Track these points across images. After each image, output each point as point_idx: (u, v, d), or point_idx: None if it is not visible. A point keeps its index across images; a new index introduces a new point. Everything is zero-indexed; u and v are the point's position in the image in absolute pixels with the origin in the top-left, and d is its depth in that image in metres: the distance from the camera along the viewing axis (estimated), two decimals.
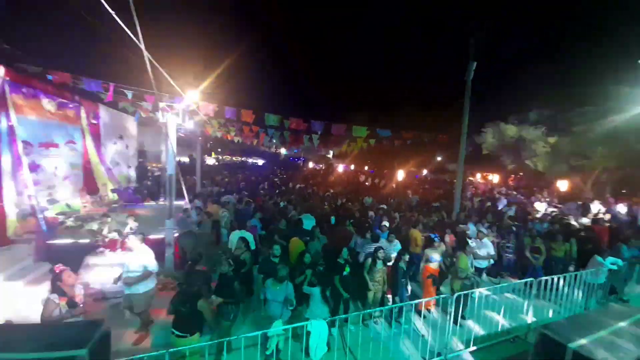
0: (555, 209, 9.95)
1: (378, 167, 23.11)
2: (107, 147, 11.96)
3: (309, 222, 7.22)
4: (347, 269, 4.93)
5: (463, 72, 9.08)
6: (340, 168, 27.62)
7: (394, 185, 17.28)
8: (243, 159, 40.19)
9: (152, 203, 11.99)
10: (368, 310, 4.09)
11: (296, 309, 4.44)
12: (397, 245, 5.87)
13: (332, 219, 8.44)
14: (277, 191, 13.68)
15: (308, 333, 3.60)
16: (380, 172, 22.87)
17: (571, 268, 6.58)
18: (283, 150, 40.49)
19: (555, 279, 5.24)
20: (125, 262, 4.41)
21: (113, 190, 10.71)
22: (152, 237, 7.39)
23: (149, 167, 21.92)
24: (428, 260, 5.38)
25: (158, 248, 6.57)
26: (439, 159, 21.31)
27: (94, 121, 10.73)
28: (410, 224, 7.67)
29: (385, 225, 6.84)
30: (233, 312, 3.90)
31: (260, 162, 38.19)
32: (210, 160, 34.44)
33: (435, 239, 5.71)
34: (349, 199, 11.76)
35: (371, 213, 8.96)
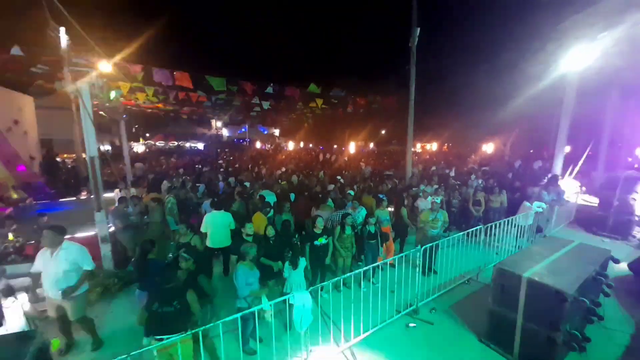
0: (486, 168, 11.36)
1: (327, 143, 23.29)
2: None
3: (270, 198, 6.89)
4: (322, 240, 4.82)
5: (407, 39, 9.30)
6: (290, 146, 27.11)
7: (345, 159, 17.72)
8: (179, 143, 36.25)
9: (72, 199, 10.12)
10: (343, 276, 4.04)
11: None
12: (362, 210, 5.96)
13: (292, 195, 8.23)
14: (225, 172, 12.73)
15: (291, 306, 3.40)
16: (329, 147, 23.13)
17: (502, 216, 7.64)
18: (225, 132, 37.74)
19: (498, 225, 5.95)
20: (51, 265, 3.54)
21: (16, 187, 8.63)
22: (79, 235, 6.23)
23: (59, 159, 18.36)
24: (379, 221, 5.58)
25: (89, 247, 5.63)
26: (383, 132, 22.41)
27: None
28: (367, 192, 7.95)
29: (349, 194, 6.88)
30: (209, 312, 3.53)
31: (200, 145, 34.98)
32: (139, 147, 30.35)
33: (383, 199, 5.96)
34: (304, 175, 11.59)
35: (331, 186, 8.94)
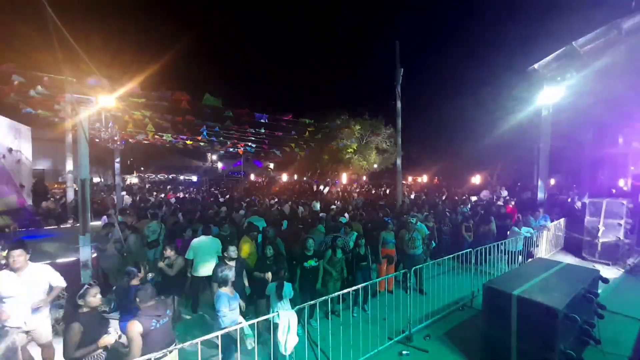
0: (474, 197, 11.59)
1: (320, 176, 23.70)
2: None
3: (259, 224, 6.84)
4: (312, 262, 4.74)
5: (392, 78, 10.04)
6: (284, 178, 27.38)
7: (338, 190, 17.90)
8: (173, 176, 36.19)
9: (55, 227, 9.88)
10: (332, 295, 3.90)
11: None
12: (353, 235, 5.94)
13: (284, 222, 8.23)
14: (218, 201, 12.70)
15: (275, 329, 3.25)
16: (323, 180, 23.47)
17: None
18: (220, 165, 38.12)
19: (489, 250, 5.94)
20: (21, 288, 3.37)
21: (3, 213, 8.45)
22: (60, 260, 6.01)
23: (49, 189, 18.18)
24: (384, 243, 5.54)
25: (70, 273, 5.40)
26: (375, 165, 22.97)
27: None
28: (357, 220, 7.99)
29: (341, 221, 6.91)
30: None
31: (194, 177, 34.92)
32: (133, 179, 30.27)
33: (389, 222, 5.95)
34: (297, 205, 11.61)
35: (322, 214, 8.97)
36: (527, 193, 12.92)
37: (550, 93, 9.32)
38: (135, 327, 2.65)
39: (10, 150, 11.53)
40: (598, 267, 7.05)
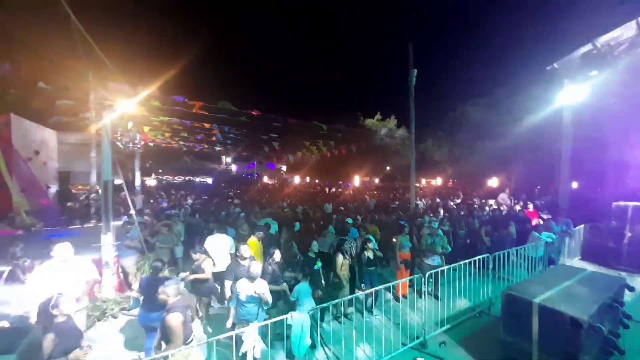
0: (492, 200, 11.29)
1: (332, 179, 23.74)
2: (21, 162, 10.04)
3: (273, 227, 6.94)
4: (319, 264, 4.74)
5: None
6: (296, 180, 27.58)
7: (350, 192, 17.85)
8: (189, 178, 37.14)
9: (78, 226, 10.31)
10: (342, 300, 3.89)
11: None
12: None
13: (297, 225, 8.29)
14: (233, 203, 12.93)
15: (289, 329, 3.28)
16: (335, 183, 23.48)
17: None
18: (234, 167, 38.85)
19: (507, 255, 5.76)
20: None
21: (28, 212, 8.89)
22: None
23: (73, 191, 18.97)
24: (401, 247, 5.47)
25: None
26: (388, 168, 22.76)
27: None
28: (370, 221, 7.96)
29: (348, 222, 6.87)
30: None
31: (209, 180, 35.71)
32: (151, 182, 31.20)
33: (405, 225, 5.87)
34: (309, 207, 11.66)
35: (334, 216, 8.98)
36: (546, 197, 12.48)
37: (572, 92, 9.00)
38: (178, 318, 2.72)
39: (37, 152, 12.17)
40: (623, 275, 6.73)
